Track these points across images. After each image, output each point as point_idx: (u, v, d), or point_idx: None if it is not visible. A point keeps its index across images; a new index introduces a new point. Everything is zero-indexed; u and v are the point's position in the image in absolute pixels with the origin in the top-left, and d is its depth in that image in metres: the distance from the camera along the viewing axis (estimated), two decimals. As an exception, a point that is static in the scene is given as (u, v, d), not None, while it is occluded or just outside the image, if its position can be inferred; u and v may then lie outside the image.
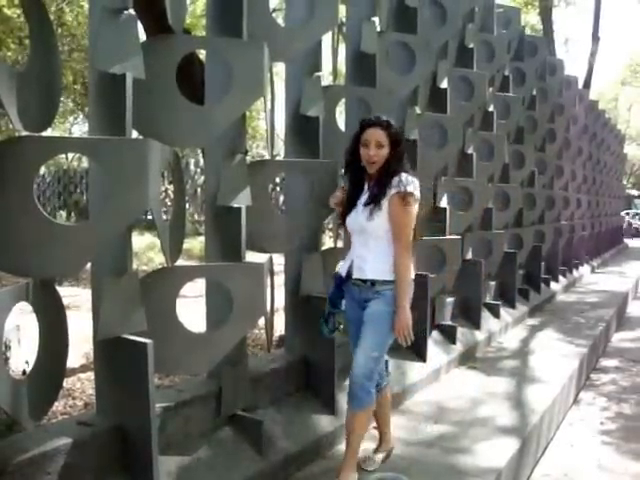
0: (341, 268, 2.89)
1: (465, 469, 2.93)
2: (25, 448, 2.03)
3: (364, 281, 2.76)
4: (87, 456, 2.18)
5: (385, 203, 2.66)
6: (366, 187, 2.79)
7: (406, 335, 2.69)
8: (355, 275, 2.78)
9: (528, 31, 10.31)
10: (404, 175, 2.67)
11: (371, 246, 2.74)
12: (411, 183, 2.66)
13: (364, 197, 2.76)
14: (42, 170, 23.48)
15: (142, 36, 2.97)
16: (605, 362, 6.02)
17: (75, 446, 2.13)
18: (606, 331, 6.51)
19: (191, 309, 3.52)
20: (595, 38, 17.29)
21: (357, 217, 2.76)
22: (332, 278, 2.94)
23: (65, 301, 2.30)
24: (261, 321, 3.25)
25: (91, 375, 4.61)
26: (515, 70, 7.32)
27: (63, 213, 19.67)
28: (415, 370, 4.19)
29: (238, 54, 2.75)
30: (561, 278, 8.71)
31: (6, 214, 1.94)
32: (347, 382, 2.77)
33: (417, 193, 2.68)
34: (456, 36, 5.72)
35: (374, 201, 2.68)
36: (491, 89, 6.48)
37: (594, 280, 10.11)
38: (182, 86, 2.66)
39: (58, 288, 2.30)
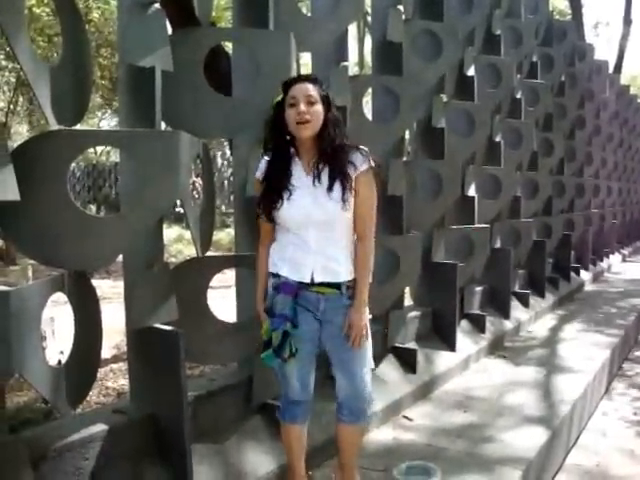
0: (290, 272, 2.22)
1: (494, 459, 2.92)
2: (64, 435, 2.09)
3: (334, 286, 2.23)
4: (122, 443, 2.22)
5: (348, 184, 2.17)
6: (299, 165, 2.23)
7: (362, 336, 2.25)
8: (320, 279, 2.21)
9: (556, 16, 10.10)
10: (361, 147, 2.24)
11: (341, 242, 2.24)
12: (365, 157, 2.22)
13: (308, 179, 2.19)
14: (72, 165, 23.86)
15: (169, 29, 2.99)
16: (638, 352, 5.92)
17: (111, 433, 2.18)
18: (638, 321, 6.40)
19: (221, 300, 3.56)
20: (627, 21, 16.88)
21: (308, 207, 2.17)
22: (275, 287, 2.23)
23: (97, 293, 2.35)
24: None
25: (123, 366, 4.70)
26: (543, 56, 7.20)
27: (93, 207, 19.94)
28: (444, 359, 4.18)
29: (264, 45, 2.76)
30: (591, 267, 8.57)
31: (41, 207, 1.98)
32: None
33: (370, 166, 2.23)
34: (483, 22, 5.65)
35: (345, 183, 2.15)
36: (519, 76, 6.39)
37: (625, 269, 9.93)
38: (209, 78, 2.69)
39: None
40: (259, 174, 2.28)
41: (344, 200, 2.15)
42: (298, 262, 2.22)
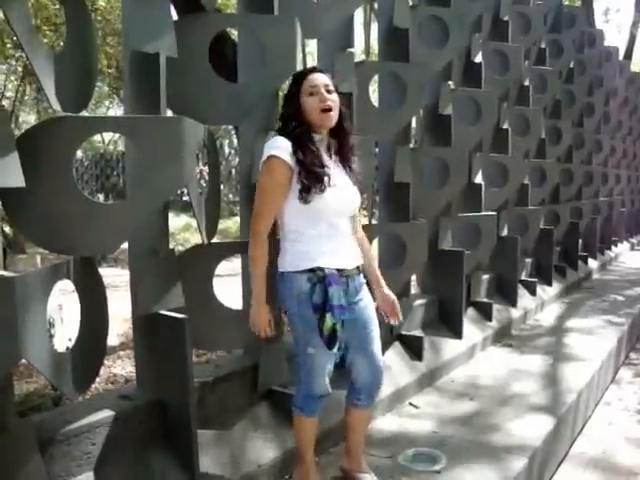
0: (333, 263, 2.19)
1: (500, 446, 2.92)
2: (71, 420, 2.11)
3: (357, 269, 2.32)
4: (129, 428, 2.24)
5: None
6: (328, 154, 2.24)
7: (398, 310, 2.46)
8: (350, 265, 2.27)
9: (566, 2, 9.99)
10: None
11: (350, 229, 2.34)
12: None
13: (338, 170, 2.23)
14: (80, 154, 23.91)
15: (174, 15, 2.98)
16: (645, 341, 5.91)
17: (117, 418, 2.20)
18: (646, 309, 6.37)
19: (227, 287, 3.57)
20: (638, 7, 16.67)
21: (345, 196, 2.23)
22: (320, 280, 2.15)
23: (104, 281, 2.36)
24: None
25: (130, 353, 4.73)
26: (552, 42, 7.13)
27: (101, 196, 20.00)
28: (450, 347, 4.18)
29: (270, 30, 2.74)
30: (599, 255, 8.53)
31: (46, 193, 1.98)
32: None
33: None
34: (490, 8, 5.60)
35: (358, 177, 2.30)
36: (527, 62, 6.33)
37: (633, 257, 9.88)
38: (215, 64, 2.67)
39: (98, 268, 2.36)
40: (284, 154, 2.11)
41: (361, 191, 2.32)
42: (336, 252, 2.21)
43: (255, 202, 2.20)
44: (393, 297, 2.46)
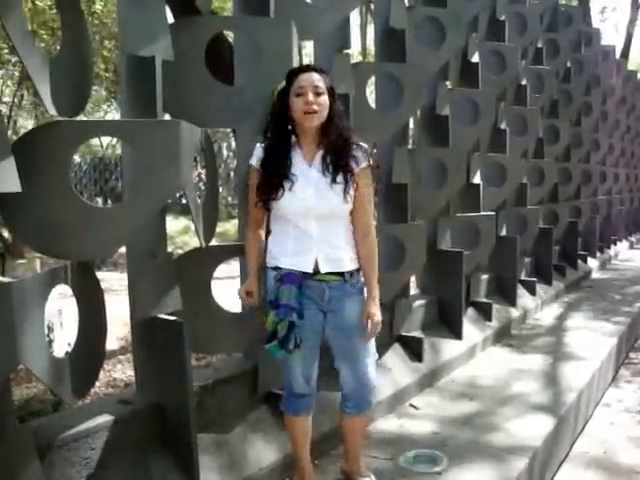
0: (292, 263, 2.20)
1: (501, 447, 2.92)
2: (70, 425, 2.10)
3: (338, 275, 2.23)
4: (128, 432, 2.23)
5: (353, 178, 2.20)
6: (299, 155, 2.21)
7: (375, 331, 2.27)
8: (326, 269, 2.20)
9: (562, 1, 9.99)
10: (361, 143, 2.26)
11: (341, 232, 2.24)
12: (366, 153, 2.27)
13: (315, 171, 2.19)
14: (79, 158, 23.93)
15: (170, 18, 2.98)
16: (645, 340, 5.91)
17: (116, 423, 2.19)
18: (646, 308, 6.37)
19: (226, 290, 3.56)
20: (634, 5, 16.69)
21: (312, 198, 2.16)
22: (279, 279, 2.19)
23: (103, 285, 2.35)
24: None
25: (130, 357, 4.72)
26: (549, 42, 7.13)
27: (100, 200, 20.01)
28: (450, 347, 4.18)
29: (266, 33, 2.74)
30: (598, 254, 8.53)
31: (42, 198, 1.98)
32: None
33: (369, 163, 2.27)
34: (487, 8, 5.60)
35: (347, 178, 2.17)
36: (524, 62, 6.34)
37: (633, 256, 9.88)
38: (211, 67, 2.67)
39: (97, 272, 2.35)
40: (255, 161, 2.25)
41: (346, 193, 2.17)
42: (301, 253, 2.20)
43: None
44: (375, 315, 2.25)
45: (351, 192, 2.18)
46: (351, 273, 2.26)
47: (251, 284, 2.36)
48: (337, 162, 2.18)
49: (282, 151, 2.21)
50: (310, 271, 2.20)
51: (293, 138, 2.24)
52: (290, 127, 2.22)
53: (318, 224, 2.20)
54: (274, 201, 2.19)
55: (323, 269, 2.21)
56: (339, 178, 2.17)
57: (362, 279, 2.30)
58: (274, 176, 2.18)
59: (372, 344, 2.34)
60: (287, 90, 2.18)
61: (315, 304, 2.24)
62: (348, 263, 2.25)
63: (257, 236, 2.36)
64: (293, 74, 2.18)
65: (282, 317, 2.15)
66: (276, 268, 2.23)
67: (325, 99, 2.14)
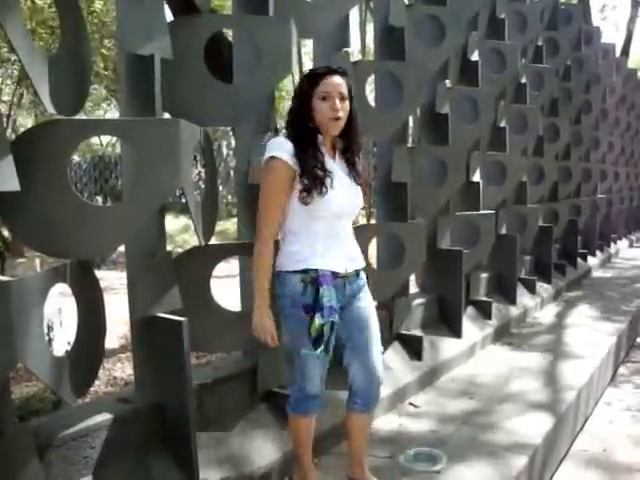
0: (326, 264, 2.17)
1: (500, 445, 2.92)
2: (69, 423, 2.10)
3: (357, 272, 2.31)
4: (128, 431, 2.23)
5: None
6: (327, 155, 2.21)
7: None
8: (350, 267, 2.26)
9: (562, -1, 9.96)
10: None
11: (350, 231, 2.33)
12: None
13: (341, 171, 2.22)
14: (78, 157, 23.91)
15: (169, 17, 2.97)
16: (645, 338, 5.91)
17: (116, 422, 2.19)
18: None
19: (225, 289, 3.56)
20: (635, 3, 16.67)
21: (346, 197, 2.20)
22: (309, 282, 2.14)
23: (103, 284, 2.35)
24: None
25: (130, 356, 4.72)
26: (549, 40, 7.12)
27: (100, 198, 19.99)
28: (450, 346, 4.18)
29: (265, 31, 2.74)
30: (598, 253, 8.53)
31: (41, 197, 1.98)
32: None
33: None
34: (487, 6, 5.59)
35: (359, 176, 2.28)
36: (524, 60, 6.33)
37: (633, 255, 9.88)
38: (210, 65, 2.67)
39: (97, 272, 2.35)
40: (286, 155, 2.10)
41: (364, 193, 2.31)
42: (332, 253, 2.19)
43: (259, 205, 2.17)
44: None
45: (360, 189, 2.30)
46: (362, 270, 2.35)
47: (269, 318, 2.19)
48: (356, 163, 2.28)
49: (316, 150, 2.16)
50: (342, 271, 2.22)
51: (320, 137, 2.20)
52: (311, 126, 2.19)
53: (344, 223, 2.27)
54: (317, 197, 2.11)
55: (350, 268, 2.26)
56: (358, 179, 2.27)
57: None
58: (318, 170, 2.12)
59: (379, 338, 2.36)
60: (309, 91, 2.14)
61: (340, 299, 2.21)
62: (361, 260, 2.36)
63: (272, 251, 2.20)
64: (318, 76, 2.14)
65: (327, 319, 2.10)
66: (304, 271, 2.16)
67: (348, 104, 2.16)
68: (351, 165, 2.27)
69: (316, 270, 2.15)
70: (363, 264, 2.36)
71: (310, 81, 2.15)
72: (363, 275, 2.35)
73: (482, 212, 4.89)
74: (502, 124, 5.55)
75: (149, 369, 2.41)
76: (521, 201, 6.03)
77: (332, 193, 2.13)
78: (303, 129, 2.16)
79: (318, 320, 2.09)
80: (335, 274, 2.19)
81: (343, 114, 2.14)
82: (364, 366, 2.31)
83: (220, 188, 18.14)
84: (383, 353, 2.43)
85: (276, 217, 2.18)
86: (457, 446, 2.91)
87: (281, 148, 2.12)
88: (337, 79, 2.13)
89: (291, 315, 2.20)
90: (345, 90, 2.14)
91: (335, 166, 2.21)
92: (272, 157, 2.12)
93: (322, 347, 2.11)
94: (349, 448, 2.51)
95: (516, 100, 6.09)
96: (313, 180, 2.10)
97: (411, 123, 4.82)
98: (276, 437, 2.68)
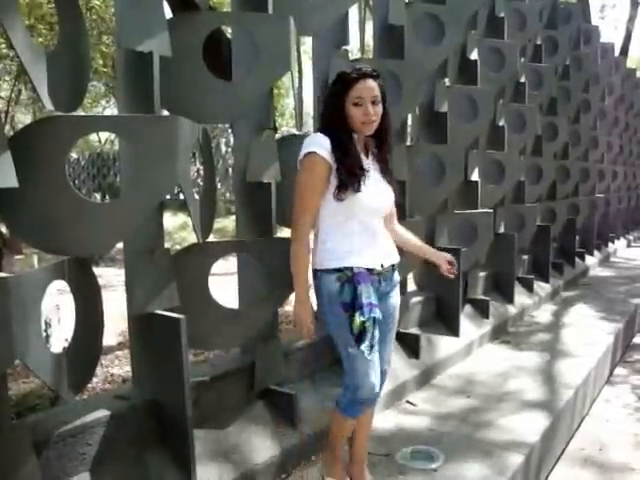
0: (362, 262, 2.20)
1: (497, 443, 2.92)
2: (66, 420, 2.10)
3: (393, 268, 2.35)
4: (125, 428, 2.23)
5: None
6: (366, 154, 2.27)
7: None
8: (386, 263, 2.29)
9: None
10: None
11: (383, 228, 2.36)
12: None
13: (373, 169, 2.26)
14: (76, 154, 23.87)
15: (168, 13, 2.97)
16: (642, 338, 5.92)
17: (113, 418, 2.19)
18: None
19: (223, 286, 3.56)
20: (634, 3, 16.68)
21: (378, 194, 2.25)
22: (345, 280, 2.17)
23: (101, 281, 2.35)
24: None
25: (127, 353, 4.72)
26: (548, 39, 7.12)
27: (97, 195, 19.97)
28: (447, 344, 4.18)
29: (264, 29, 2.73)
30: (596, 252, 8.55)
31: (39, 193, 1.97)
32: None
33: None
34: (486, 5, 5.58)
35: (390, 175, 2.34)
36: (522, 59, 6.33)
37: (630, 254, 9.90)
38: (209, 62, 2.66)
39: (94, 269, 2.35)
40: (323, 151, 2.13)
41: (395, 191, 2.34)
42: (368, 251, 2.22)
43: (295, 200, 2.20)
44: (449, 256, 2.56)
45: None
46: (395, 267, 2.37)
47: (308, 311, 2.23)
48: (387, 162, 2.31)
49: (352, 144, 2.19)
50: (379, 268, 2.25)
51: (355, 136, 2.22)
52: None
53: (379, 221, 2.30)
54: (353, 193, 2.14)
55: (385, 264, 2.28)
56: (389, 177, 2.31)
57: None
58: (355, 167, 2.15)
59: (394, 336, 2.45)
60: (343, 94, 2.15)
61: (376, 295, 2.22)
62: (395, 255, 2.38)
63: (309, 246, 2.24)
64: (351, 80, 2.14)
65: (368, 315, 2.11)
66: (339, 270, 2.17)
67: (381, 108, 2.18)
68: (383, 164, 2.30)
69: (352, 268, 2.17)
70: (397, 259, 2.37)
71: (344, 85, 2.16)
72: (396, 272, 2.38)
73: (480, 211, 4.90)
74: (501, 123, 5.56)
75: (147, 366, 2.41)
76: (519, 200, 6.03)
77: (365, 190, 2.16)
78: (338, 129, 2.17)
79: (359, 318, 2.10)
80: (371, 270, 2.21)
81: (377, 118, 2.17)
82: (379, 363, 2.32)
83: (218, 186, 18.14)
84: None
85: (313, 209, 2.20)
86: (454, 444, 2.91)
87: (319, 144, 2.15)
88: (370, 83, 2.14)
89: (329, 313, 2.21)
90: (378, 93, 2.16)
91: (369, 164, 2.25)
92: (310, 152, 2.15)
93: (367, 343, 2.12)
94: (350, 449, 2.53)
95: (515, 99, 6.09)
96: (348, 176, 2.13)
97: (410, 121, 4.82)
98: (273, 434, 2.68)
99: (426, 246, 2.65)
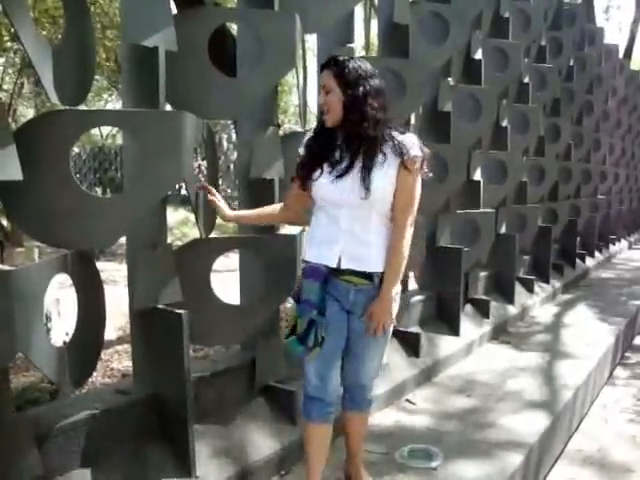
0: (318, 256, 2.11)
1: (496, 443, 2.93)
2: (67, 414, 2.11)
3: (364, 276, 2.11)
4: (125, 422, 2.24)
5: (389, 171, 2.06)
6: (346, 149, 2.13)
7: (380, 329, 2.14)
8: (348, 265, 2.09)
9: (566, -1, 9.94)
10: (396, 133, 2.10)
11: (372, 227, 2.10)
12: (413, 144, 2.08)
13: (349, 163, 2.08)
14: (78, 148, 23.85)
15: (174, 9, 2.97)
16: (642, 339, 5.93)
17: (113, 413, 2.20)
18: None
19: (225, 282, 3.56)
20: (639, 4, 16.63)
21: (343, 187, 2.06)
22: (303, 271, 2.13)
23: (103, 275, 2.35)
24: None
25: (128, 347, 4.73)
26: (552, 40, 7.12)
27: (99, 189, 19.96)
28: (448, 344, 4.18)
29: (269, 25, 2.73)
30: (597, 253, 8.54)
31: (43, 187, 1.97)
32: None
33: (420, 154, 2.09)
34: (491, 5, 5.58)
35: (367, 172, 2.03)
36: (526, 60, 6.32)
37: (631, 256, 9.90)
38: (214, 58, 2.66)
39: (96, 262, 2.35)
40: (301, 148, 2.26)
41: (367, 188, 2.02)
42: (326, 242, 2.10)
43: None
44: (378, 311, 2.12)
45: (375, 185, 2.03)
46: (377, 276, 2.11)
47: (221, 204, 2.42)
48: (364, 154, 2.06)
49: (324, 138, 2.17)
50: (334, 265, 2.09)
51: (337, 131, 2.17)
52: None
53: (348, 213, 2.08)
54: (311, 181, 2.15)
55: (345, 264, 2.08)
56: (357, 170, 2.05)
57: None
58: (315, 157, 2.17)
59: (382, 349, 2.28)
60: None
61: (338, 302, 2.13)
62: (375, 264, 2.11)
63: (275, 207, 2.45)
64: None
65: (302, 313, 2.07)
66: (305, 261, 2.18)
67: (332, 97, 2.06)
68: (368, 159, 2.05)
69: (307, 262, 2.16)
70: (376, 269, 2.11)
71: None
72: (373, 285, 2.12)
73: (482, 211, 4.90)
74: (504, 123, 5.55)
75: (148, 361, 2.41)
76: (521, 200, 6.03)
77: (324, 181, 2.10)
78: (320, 121, 2.18)
79: (293, 310, 2.09)
80: (331, 271, 2.10)
81: (328, 107, 2.07)
82: (355, 370, 2.28)
83: (220, 181, 18.12)
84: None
85: (290, 194, 2.36)
86: (453, 443, 2.91)
87: (303, 143, 2.27)
88: (324, 73, 2.10)
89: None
90: (328, 83, 2.07)
91: (345, 157, 2.09)
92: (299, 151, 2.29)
93: (293, 338, 2.09)
94: (345, 445, 2.52)
95: (518, 99, 6.08)
96: (301, 165, 2.22)
97: (413, 120, 4.81)
98: (273, 431, 2.69)
99: (385, 277, 2.13)
